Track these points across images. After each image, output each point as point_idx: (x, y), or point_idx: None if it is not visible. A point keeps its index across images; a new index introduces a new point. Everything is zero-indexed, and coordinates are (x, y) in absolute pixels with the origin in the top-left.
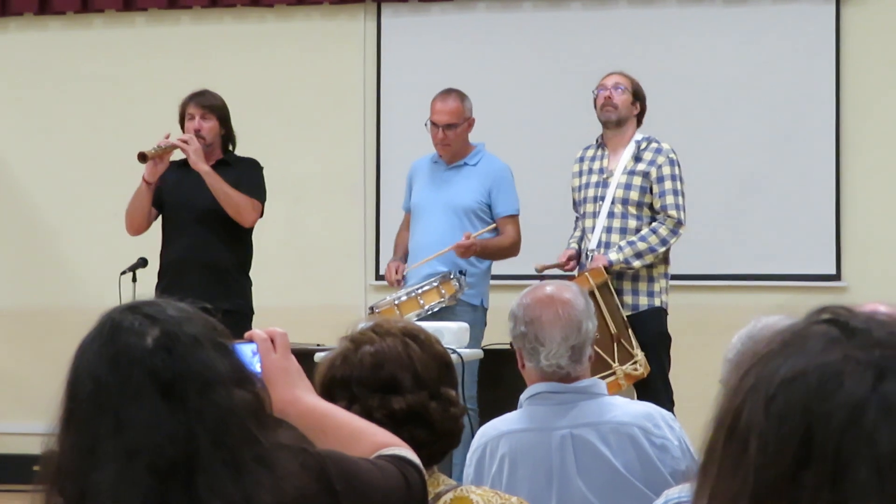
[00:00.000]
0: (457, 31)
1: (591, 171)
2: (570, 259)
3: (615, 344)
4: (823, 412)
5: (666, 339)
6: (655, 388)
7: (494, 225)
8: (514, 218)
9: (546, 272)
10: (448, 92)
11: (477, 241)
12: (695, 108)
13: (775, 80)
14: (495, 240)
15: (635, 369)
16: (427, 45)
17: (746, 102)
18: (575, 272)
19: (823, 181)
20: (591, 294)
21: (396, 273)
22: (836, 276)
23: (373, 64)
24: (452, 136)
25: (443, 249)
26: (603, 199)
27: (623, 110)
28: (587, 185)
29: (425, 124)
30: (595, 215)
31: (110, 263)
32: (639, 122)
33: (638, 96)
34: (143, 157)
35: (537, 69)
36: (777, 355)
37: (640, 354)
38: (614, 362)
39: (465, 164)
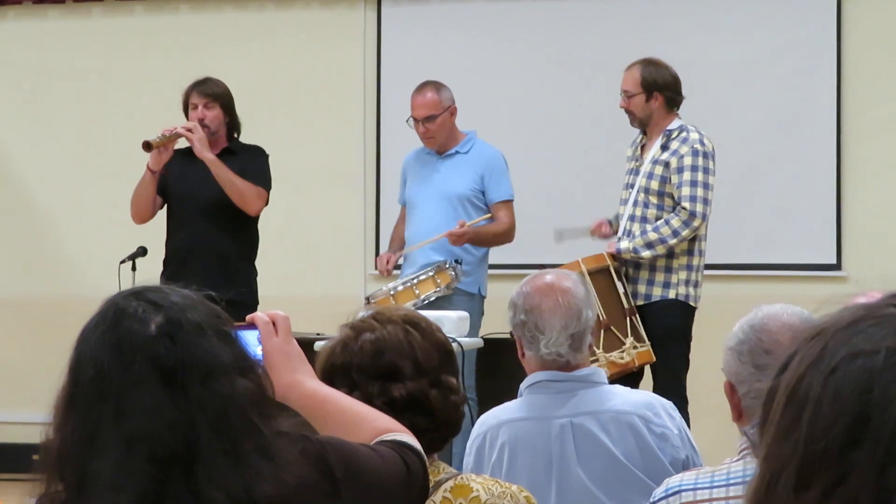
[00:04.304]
0: (457, 21)
1: (632, 158)
2: (600, 224)
3: (602, 331)
4: (886, 395)
5: (676, 334)
6: (662, 383)
7: (490, 215)
8: (507, 203)
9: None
10: (423, 85)
11: (470, 230)
12: (695, 97)
13: (776, 69)
14: (489, 226)
15: (621, 357)
16: (427, 34)
17: (747, 91)
18: (608, 241)
19: (824, 171)
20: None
21: (388, 263)
22: (837, 266)
23: (373, 54)
24: (434, 128)
25: (436, 236)
26: (633, 186)
27: (640, 113)
28: (627, 172)
29: (407, 121)
30: (625, 203)
31: (109, 253)
32: (674, 104)
33: (653, 87)
34: (147, 146)
35: (537, 59)
36: (846, 329)
37: (630, 343)
38: (598, 349)
39: (457, 152)
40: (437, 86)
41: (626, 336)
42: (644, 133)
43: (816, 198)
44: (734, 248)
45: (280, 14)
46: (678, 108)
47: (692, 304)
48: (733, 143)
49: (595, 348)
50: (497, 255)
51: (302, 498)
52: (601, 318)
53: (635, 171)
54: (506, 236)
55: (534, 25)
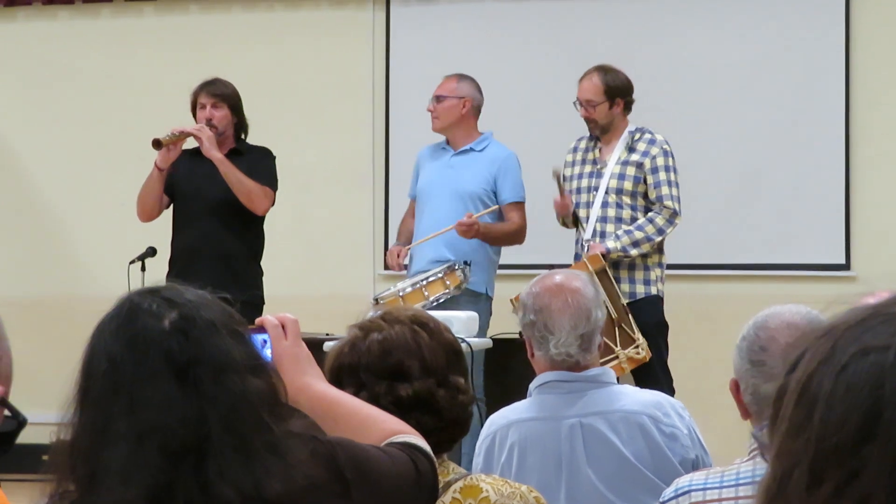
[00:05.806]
0: (466, 20)
1: (584, 162)
2: (567, 204)
3: (616, 328)
4: None
5: (663, 327)
6: (655, 375)
7: (496, 207)
8: (519, 205)
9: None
10: (455, 73)
11: (478, 222)
12: (703, 96)
13: (784, 67)
14: (499, 225)
15: (637, 353)
16: (436, 33)
17: (755, 90)
18: (570, 208)
19: (832, 170)
20: None
21: (399, 257)
22: (846, 266)
23: (382, 53)
24: (440, 109)
25: (444, 229)
26: (597, 189)
27: (603, 120)
28: (580, 176)
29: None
30: (589, 205)
31: (119, 253)
32: (630, 107)
33: (615, 93)
34: (157, 144)
35: (546, 58)
36: (855, 327)
37: (641, 338)
38: (616, 346)
39: (472, 150)
40: (462, 77)
41: (633, 332)
42: (593, 138)
43: (825, 197)
44: (743, 249)
45: (289, 14)
46: (630, 112)
47: (663, 298)
48: (741, 142)
49: (614, 346)
50: (506, 255)
51: (312, 498)
52: (613, 317)
53: (597, 174)
54: (516, 237)
55: (542, 24)
